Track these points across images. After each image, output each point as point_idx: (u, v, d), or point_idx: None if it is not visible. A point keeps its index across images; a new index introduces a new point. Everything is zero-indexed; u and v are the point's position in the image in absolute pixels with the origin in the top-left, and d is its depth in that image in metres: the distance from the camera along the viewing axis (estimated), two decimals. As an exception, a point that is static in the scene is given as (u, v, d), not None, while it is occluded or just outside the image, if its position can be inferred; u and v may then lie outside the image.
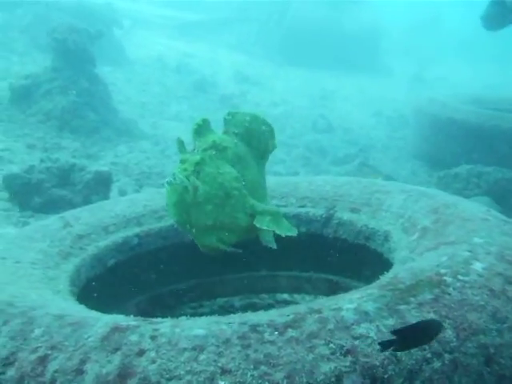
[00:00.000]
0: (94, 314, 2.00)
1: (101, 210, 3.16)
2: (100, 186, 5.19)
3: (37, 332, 1.85)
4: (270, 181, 3.68)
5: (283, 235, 2.18)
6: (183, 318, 1.88)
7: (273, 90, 16.19)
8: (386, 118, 14.82)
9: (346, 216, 3.12)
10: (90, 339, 1.76)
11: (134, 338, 1.74)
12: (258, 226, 2.13)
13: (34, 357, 1.76)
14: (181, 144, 2.07)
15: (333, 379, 1.55)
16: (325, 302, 1.86)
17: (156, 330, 1.77)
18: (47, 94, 8.03)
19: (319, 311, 1.78)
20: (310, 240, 3.28)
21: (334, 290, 3.23)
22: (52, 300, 2.20)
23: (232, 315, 1.86)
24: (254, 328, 1.72)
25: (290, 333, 1.69)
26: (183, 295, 3.34)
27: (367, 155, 9.61)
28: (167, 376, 1.62)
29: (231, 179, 2.07)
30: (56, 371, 1.69)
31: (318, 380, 1.55)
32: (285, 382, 1.57)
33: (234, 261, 3.46)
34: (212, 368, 1.61)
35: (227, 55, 19.01)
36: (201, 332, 1.73)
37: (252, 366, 1.60)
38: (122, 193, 5.74)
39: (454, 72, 21.59)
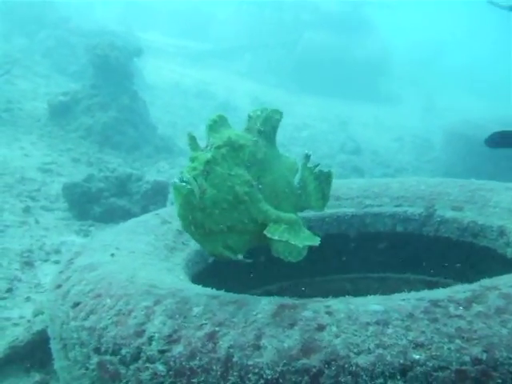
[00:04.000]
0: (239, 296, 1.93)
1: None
2: (158, 196, 5.13)
3: (196, 310, 1.78)
4: (358, 182, 3.64)
5: (301, 246, 1.86)
6: (344, 297, 1.80)
7: (293, 116, 16.26)
8: (408, 142, 14.91)
9: (448, 214, 3.04)
10: (259, 316, 1.69)
11: (308, 314, 1.67)
12: (268, 236, 1.85)
13: (201, 334, 1.69)
14: (193, 140, 1.84)
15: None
16: (496, 281, 1.79)
17: (328, 306, 1.70)
18: (87, 110, 8.05)
19: (496, 288, 1.71)
20: (408, 240, 3.20)
21: (433, 291, 3.14)
22: (187, 285, 2.13)
23: (399, 293, 1.79)
24: (435, 303, 1.65)
25: (476, 308, 1.62)
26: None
27: (403, 176, 9.60)
28: (355, 350, 1.54)
29: (242, 183, 1.82)
30: (231, 347, 1.62)
31: (519, 354, 1.47)
32: (484, 356, 1.49)
33: (323, 263, 3.41)
34: (403, 341, 1.53)
35: (240, 82, 19.21)
36: (378, 308, 1.66)
37: (446, 340, 1.52)
38: (175, 204, 5.68)
39: (458, 103, 21.87)
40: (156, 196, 5.11)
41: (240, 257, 1.92)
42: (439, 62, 28.26)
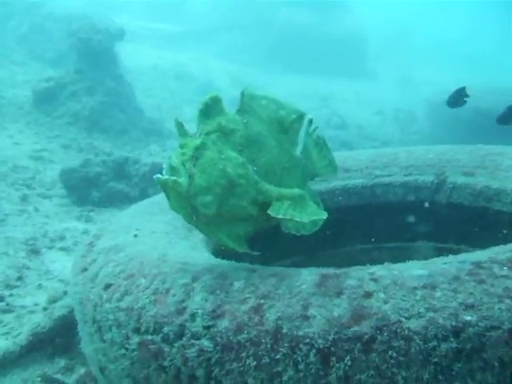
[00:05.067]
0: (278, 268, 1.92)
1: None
2: (156, 178, 5.07)
3: (238, 285, 1.76)
4: (365, 153, 3.64)
5: (307, 221, 1.80)
6: (381, 264, 1.80)
7: (273, 94, 16.19)
8: (390, 115, 15.01)
9: (460, 180, 3.05)
10: (303, 286, 1.68)
11: (353, 282, 1.66)
12: (272, 214, 1.78)
13: (246, 307, 1.68)
14: (180, 126, 1.76)
15: None
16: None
17: (372, 273, 1.69)
18: (73, 95, 7.93)
19: (536, 247, 1.72)
20: (419, 208, 3.22)
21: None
22: (219, 260, 2.12)
23: (438, 257, 1.79)
24: (478, 265, 1.66)
25: (521, 267, 1.63)
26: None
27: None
28: (406, 315, 1.54)
29: (235, 165, 1.74)
30: (279, 318, 1.61)
31: None
32: (537, 314, 1.50)
33: (335, 236, 3.41)
34: (453, 304, 1.54)
35: (217, 63, 19.10)
36: (422, 272, 1.66)
37: (496, 300, 1.53)
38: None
39: (434, 76, 22.04)
40: (154, 178, 5.04)
41: (246, 250, 1.87)
42: (413, 38, 28.52)
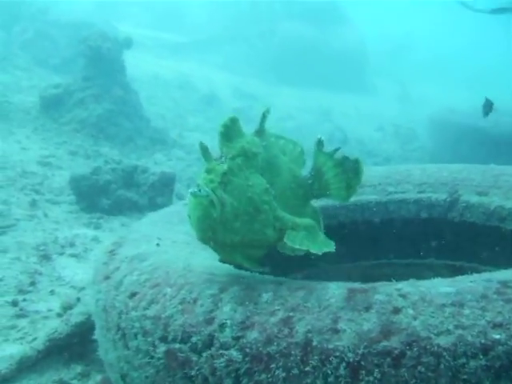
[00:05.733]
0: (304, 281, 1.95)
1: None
2: (165, 188, 5.12)
3: (266, 297, 1.79)
4: (378, 170, 3.68)
5: (320, 253, 1.85)
6: (408, 280, 1.83)
7: (274, 107, 16.29)
8: (390, 131, 15.09)
9: (473, 199, 3.09)
10: (332, 300, 1.71)
11: (381, 297, 1.69)
12: (289, 244, 1.82)
13: (275, 319, 1.70)
14: (205, 150, 1.74)
15: None
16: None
17: (399, 289, 1.72)
18: (80, 102, 7.96)
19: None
20: (431, 225, 3.25)
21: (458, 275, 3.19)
22: (243, 272, 2.14)
23: (464, 275, 1.83)
24: (505, 284, 1.69)
25: (547, 288, 1.66)
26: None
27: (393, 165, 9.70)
28: (435, 331, 1.57)
29: (261, 192, 1.77)
30: (308, 331, 1.64)
31: None
32: (562, 333, 1.53)
33: (347, 250, 3.44)
34: (482, 322, 1.57)
35: (218, 74, 19.22)
36: (450, 289, 1.69)
37: (524, 319, 1.56)
38: (180, 196, 5.68)
39: (431, 93, 22.21)
40: (163, 188, 5.09)
41: (259, 268, 1.91)
42: (410, 54, 28.71)
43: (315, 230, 1.97)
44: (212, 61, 20.76)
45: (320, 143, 2.12)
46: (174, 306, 1.89)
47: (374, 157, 11.15)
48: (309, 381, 1.61)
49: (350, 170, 2.09)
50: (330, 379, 1.59)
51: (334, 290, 1.77)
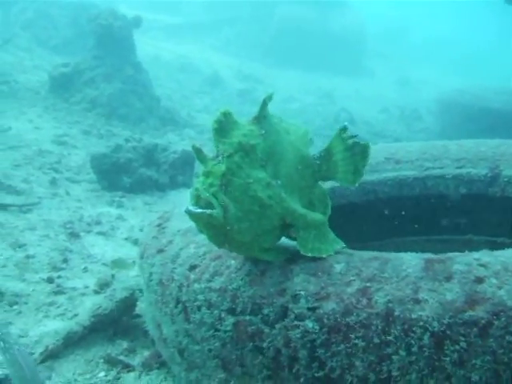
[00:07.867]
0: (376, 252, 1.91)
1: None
2: (186, 166, 5.06)
3: (339, 267, 1.76)
4: (414, 145, 3.63)
5: (332, 252, 1.83)
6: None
7: (276, 89, 16.21)
8: (395, 113, 15.03)
9: (516, 174, 3.05)
10: (409, 270, 1.68)
11: (460, 267, 1.66)
12: (302, 252, 1.80)
13: (352, 290, 1.67)
14: (199, 152, 1.66)
15: None
16: None
17: (478, 259, 1.69)
18: (91, 81, 7.87)
19: None
20: (471, 201, 3.21)
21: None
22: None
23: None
24: None
25: None
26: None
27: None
28: (523, 301, 1.54)
29: (264, 187, 1.69)
30: (389, 301, 1.60)
31: None
32: None
33: (386, 226, 3.41)
34: None
35: (218, 56, 19.07)
36: (529, 258, 1.66)
37: None
38: (198, 176, 5.62)
39: (429, 76, 22.14)
40: (184, 166, 5.03)
41: (283, 257, 1.86)
42: (410, 36, 28.63)
43: (325, 227, 1.92)
44: (210, 43, 20.62)
45: (343, 129, 2.02)
46: (241, 278, 1.85)
47: (384, 138, 11.09)
48: (390, 351, 1.59)
49: (358, 154, 2.04)
50: (414, 349, 1.56)
51: (410, 261, 1.73)
